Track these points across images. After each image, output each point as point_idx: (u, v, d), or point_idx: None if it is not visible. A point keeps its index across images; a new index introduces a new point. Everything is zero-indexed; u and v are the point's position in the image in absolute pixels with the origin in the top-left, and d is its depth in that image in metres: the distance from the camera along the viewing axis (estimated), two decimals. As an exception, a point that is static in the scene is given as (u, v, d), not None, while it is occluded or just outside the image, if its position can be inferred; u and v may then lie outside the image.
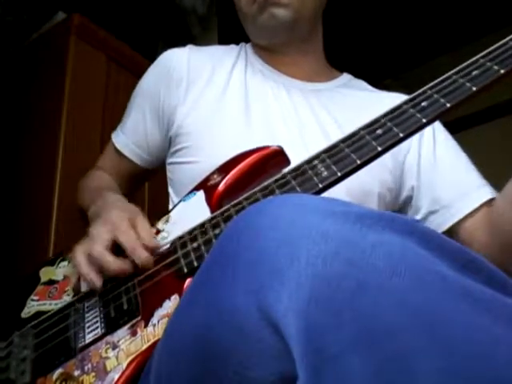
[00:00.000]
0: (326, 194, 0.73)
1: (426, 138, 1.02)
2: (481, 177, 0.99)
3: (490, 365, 0.33)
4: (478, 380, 0.32)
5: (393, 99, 1.01)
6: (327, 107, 1.03)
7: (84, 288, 0.80)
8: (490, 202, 0.93)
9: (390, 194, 1.00)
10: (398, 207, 1.03)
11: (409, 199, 1.02)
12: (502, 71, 0.68)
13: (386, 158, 0.96)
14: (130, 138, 1.10)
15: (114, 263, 0.73)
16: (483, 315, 0.36)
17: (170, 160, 1.05)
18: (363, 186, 0.94)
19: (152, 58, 1.13)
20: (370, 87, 1.16)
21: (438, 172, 1.00)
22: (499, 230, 0.86)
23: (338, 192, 0.74)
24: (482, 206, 0.93)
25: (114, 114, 1.75)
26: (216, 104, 1.00)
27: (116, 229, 0.75)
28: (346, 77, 1.15)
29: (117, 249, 0.75)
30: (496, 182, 0.84)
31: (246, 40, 1.15)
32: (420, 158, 1.02)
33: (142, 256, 0.73)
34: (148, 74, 1.11)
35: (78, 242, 0.79)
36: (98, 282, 0.73)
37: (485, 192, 0.95)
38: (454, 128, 1.13)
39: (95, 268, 0.74)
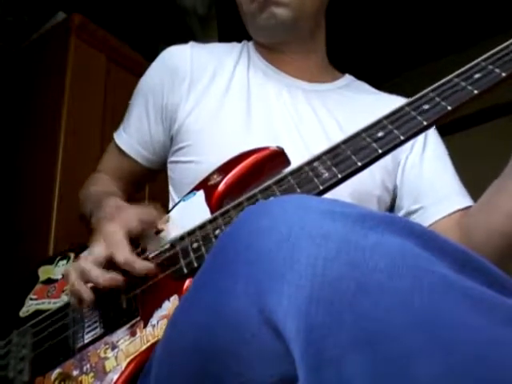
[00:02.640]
0: (327, 196, 0.73)
1: (418, 140, 1.03)
2: (461, 184, 1.01)
3: (490, 366, 0.33)
4: (479, 381, 0.32)
5: (394, 101, 1.01)
6: (329, 108, 1.03)
7: None
8: (465, 210, 0.94)
9: (389, 196, 1.01)
10: (390, 207, 1.04)
11: (395, 198, 1.03)
12: (504, 74, 0.68)
13: (387, 159, 0.97)
14: (134, 138, 1.07)
15: (101, 277, 0.71)
16: (483, 316, 0.36)
17: (171, 159, 1.05)
18: (365, 188, 0.95)
19: (152, 58, 1.13)
20: (371, 89, 1.16)
21: (422, 175, 1.01)
22: (468, 237, 0.87)
23: (341, 194, 0.74)
24: (456, 211, 0.95)
25: (114, 114, 1.75)
26: (218, 103, 1.00)
27: (111, 244, 0.73)
28: (348, 78, 1.15)
29: None
30: (486, 184, 0.84)
31: (247, 40, 1.15)
32: (408, 158, 1.03)
33: (133, 270, 0.72)
34: (150, 71, 1.09)
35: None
36: (87, 296, 0.72)
37: (462, 199, 0.96)
38: (446, 130, 1.13)
39: (85, 284, 0.73)
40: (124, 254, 0.72)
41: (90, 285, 0.73)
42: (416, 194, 1.00)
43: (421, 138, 1.03)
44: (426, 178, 1.00)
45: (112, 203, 0.87)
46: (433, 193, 0.98)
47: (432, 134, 1.06)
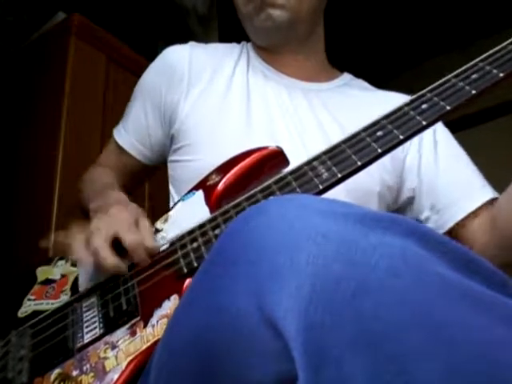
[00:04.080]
0: (325, 194, 0.73)
1: (426, 138, 1.02)
2: (482, 177, 0.99)
3: (489, 366, 0.33)
4: (478, 381, 0.32)
5: (393, 99, 1.01)
6: (328, 107, 1.03)
7: (82, 288, 0.80)
8: (491, 203, 0.93)
9: (390, 193, 1.00)
10: (397, 207, 1.03)
11: (410, 200, 1.02)
12: (502, 75, 0.69)
13: (385, 158, 0.96)
14: (133, 135, 1.09)
15: (109, 259, 0.71)
16: (483, 316, 0.36)
17: (171, 158, 1.05)
18: (363, 185, 0.94)
19: (152, 57, 1.13)
20: (370, 87, 1.16)
21: (439, 172, 1.00)
22: (499, 230, 0.86)
23: (338, 192, 0.74)
24: (482, 206, 0.93)
25: (114, 114, 1.75)
26: (218, 103, 1.00)
27: (119, 225, 0.74)
28: (346, 76, 1.15)
29: (116, 247, 0.75)
30: (496, 183, 0.84)
31: (247, 40, 1.15)
32: (421, 158, 1.02)
33: (141, 256, 0.73)
34: (149, 70, 1.10)
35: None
36: (89, 263, 0.73)
37: (486, 192, 0.95)
38: (455, 127, 1.13)
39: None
40: (132, 235, 0.73)
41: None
42: (436, 192, 0.99)
43: (429, 135, 1.02)
44: (444, 177, 0.99)
45: (117, 196, 0.88)
46: (454, 189, 0.97)
47: (441, 130, 1.05)
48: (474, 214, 0.94)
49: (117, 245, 0.74)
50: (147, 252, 0.74)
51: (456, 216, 0.95)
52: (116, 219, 0.76)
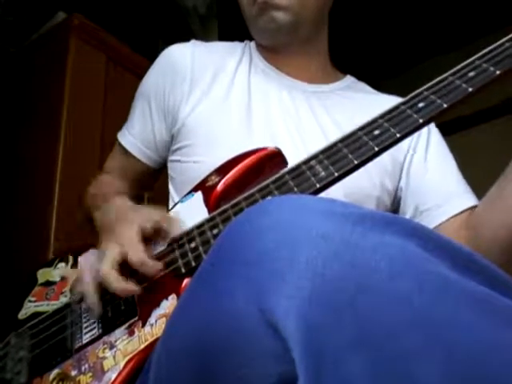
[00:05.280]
0: (323, 195, 0.73)
1: (421, 140, 1.03)
2: (466, 184, 1.00)
3: (490, 366, 0.33)
4: (478, 382, 0.32)
5: (394, 102, 1.01)
6: (328, 109, 1.03)
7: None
8: (472, 209, 0.94)
9: (389, 197, 1.01)
10: (394, 208, 1.04)
11: (398, 200, 1.03)
12: (498, 72, 0.69)
13: (386, 161, 0.97)
14: (139, 139, 1.07)
15: (117, 286, 0.70)
16: (484, 317, 0.36)
17: (171, 157, 1.05)
18: (362, 190, 0.95)
19: (152, 57, 1.13)
20: (372, 90, 1.16)
21: (427, 176, 1.01)
22: (475, 235, 0.87)
23: (336, 195, 0.74)
24: (464, 211, 0.94)
25: (114, 114, 1.76)
26: (219, 104, 1.00)
27: (124, 244, 0.73)
28: (349, 79, 1.15)
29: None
30: (491, 183, 0.84)
31: (247, 39, 1.15)
32: (412, 159, 1.02)
33: (148, 272, 0.72)
34: (152, 70, 1.09)
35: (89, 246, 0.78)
36: (92, 304, 0.72)
37: (468, 199, 0.96)
38: (450, 128, 1.13)
39: (99, 286, 0.73)
40: (138, 254, 0.72)
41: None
42: (422, 195, 0.99)
43: (423, 137, 1.03)
44: (431, 179, 1.00)
45: (120, 203, 0.87)
46: (439, 193, 0.98)
47: (434, 133, 1.06)
48: (453, 218, 0.95)
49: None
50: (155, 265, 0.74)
51: (436, 219, 0.96)
52: (120, 238, 0.74)
